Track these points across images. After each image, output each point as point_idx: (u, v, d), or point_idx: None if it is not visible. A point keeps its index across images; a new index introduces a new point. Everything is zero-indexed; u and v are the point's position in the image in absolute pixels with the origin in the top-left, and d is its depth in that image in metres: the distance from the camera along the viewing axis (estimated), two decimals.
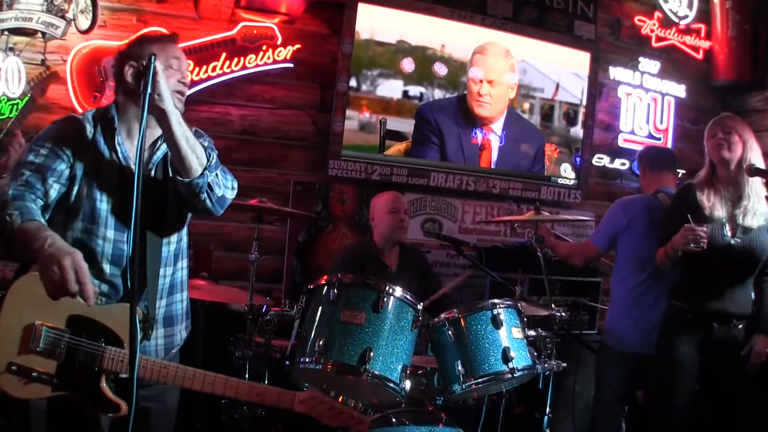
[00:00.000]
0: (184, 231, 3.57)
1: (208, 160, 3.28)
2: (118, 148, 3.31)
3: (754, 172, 4.71)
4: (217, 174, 3.34)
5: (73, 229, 3.24)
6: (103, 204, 3.26)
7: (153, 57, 2.98)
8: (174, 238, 3.49)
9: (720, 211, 4.68)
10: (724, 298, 4.69)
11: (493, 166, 7.81)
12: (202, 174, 3.24)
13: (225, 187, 3.40)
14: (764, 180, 4.80)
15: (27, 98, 5.93)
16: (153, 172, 3.40)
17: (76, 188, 3.24)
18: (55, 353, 3.10)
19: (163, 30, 6.16)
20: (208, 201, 3.31)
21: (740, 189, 4.76)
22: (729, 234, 4.68)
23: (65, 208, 3.25)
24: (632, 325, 5.27)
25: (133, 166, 3.27)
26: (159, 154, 3.41)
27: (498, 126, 7.78)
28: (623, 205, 5.57)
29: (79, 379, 3.13)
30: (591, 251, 5.69)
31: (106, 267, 3.26)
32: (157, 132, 3.35)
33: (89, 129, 3.32)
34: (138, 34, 6.01)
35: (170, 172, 3.38)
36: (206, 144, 3.43)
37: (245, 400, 3.36)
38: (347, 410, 3.37)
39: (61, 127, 3.33)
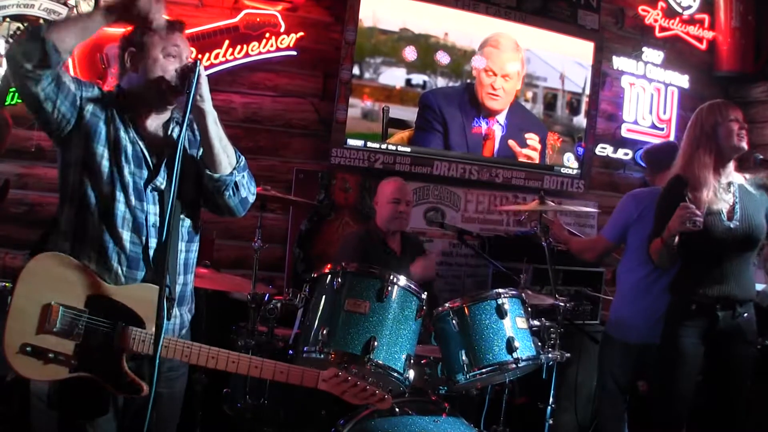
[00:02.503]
0: (199, 212, 3.62)
1: (237, 161, 3.46)
2: (131, 124, 3.36)
3: (760, 163, 4.70)
4: (243, 175, 3.51)
5: (96, 189, 3.26)
6: (125, 173, 3.28)
7: (198, 62, 3.20)
8: (189, 215, 3.53)
9: (718, 204, 4.65)
10: (729, 283, 4.66)
11: (495, 156, 7.79)
12: (231, 173, 3.41)
13: (249, 191, 3.58)
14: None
15: None
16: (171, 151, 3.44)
17: (102, 153, 3.27)
18: (73, 333, 3.09)
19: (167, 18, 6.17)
20: (231, 200, 3.48)
21: (729, 176, 4.75)
22: (726, 218, 4.65)
23: (88, 168, 3.27)
24: (638, 317, 5.25)
25: (141, 143, 3.36)
26: (176, 135, 3.47)
27: (502, 116, 7.77)
28: (634, 197, 5.55)
29: (100, 360, 3.13)
30: (602, 245, 5.68)
31: (127, 235, 3.28)
32: (165, 116, 3.49)
33: (107, 99, 3.38)
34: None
35: (188, 152, 3.48)
36: None
37: (269, 379, 3.40)
38: (369, 388, 3.40)
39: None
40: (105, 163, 3.26)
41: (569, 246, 6.00)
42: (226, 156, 3.38)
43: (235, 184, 3.44)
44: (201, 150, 3.45)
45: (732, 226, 4.63)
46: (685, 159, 4.81)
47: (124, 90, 3.43)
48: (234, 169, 3.42)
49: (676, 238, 4.54)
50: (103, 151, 3.26)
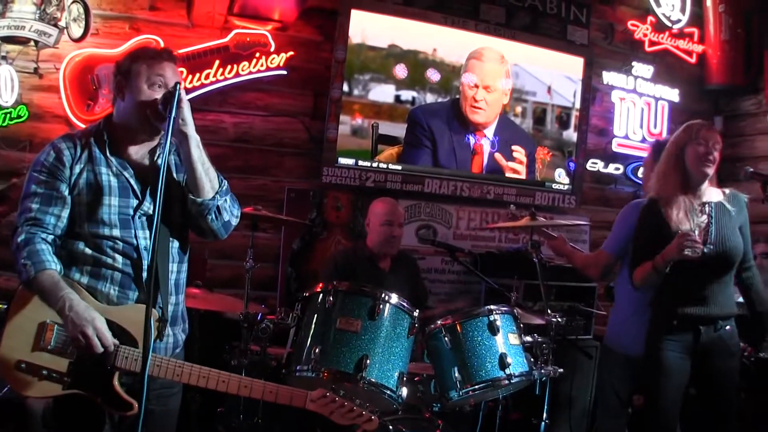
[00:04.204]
0: (187, 234, 3.66)
1: (220, 186, 3.48)
2: (112, 159, 3.42)
3: (751, 176, 4.70)
4: (226, 199, 3.52)
5: (81, 231, 3.35)
6: (104, 208, 3.35)
7: (178, 84, 3.21)
8: (177, 237, 3.57)
9: (686, 224, 4.64)
10: (707, 303, 4.66)
11: (483, 171, 7.81)
12: (213, 197, 3.43)
13: (232, 214, 3.58)
14: (761, 184, 4.77)
15: None
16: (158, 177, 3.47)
17: (78, 197, 3.35)
18: (67, 351, 3.17)
19: (156, 38, 6.21)
20: (214, 223, 3.49)
21: (703, 196, 4.74)
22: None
23: (71, 214, 3.36)
24: (638, 329, 5.19)
25: (126, 173, 3.43)
26: (160, 161, 3.45)
27: (490, 131, 7.78)
28: (634, 209, 5.50)
29: (92, 378, 3.18)
30: (604, 259, 5.57)
31: (119, 258, 3.36)
32: (153, 143, 3.53)
33: (80, 144, 3.44)
34: (132, 43, 6.10)
35: (174, 176, 3.53)
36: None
37: (258, 398, 3.40)
38: (357, 409, 3.42)
39: (54, 148, 3.42)
40: (83, 206, 3.36)
41: (573, 261, 5.93)
42: (209, 180, 3.40)
43: (218, 208, 3.46)
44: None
45: (706, 250, 4.62)
46: (657, 175, 4.83)
47: (111, 121, 3.51)
48: (216, 193, 3.44)
49: (669, 265, 4.56)
50: (79, 193, 3.36)
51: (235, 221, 3.63)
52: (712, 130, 4.78)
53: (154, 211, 3.31)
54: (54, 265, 3.26)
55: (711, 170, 4.66)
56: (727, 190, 4.82)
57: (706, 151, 4.65)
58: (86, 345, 3.07)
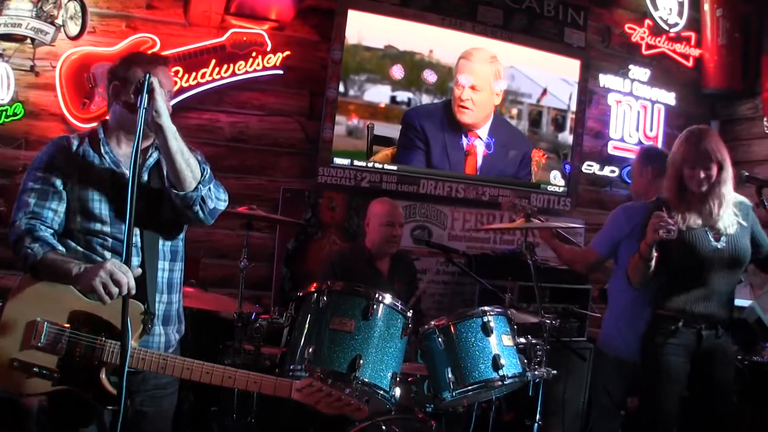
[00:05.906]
0: (182, 232, 3.70)
1: (202, 174, 3.44)
2: (105, 156, 3.47)
3: (747, 180, 4.70)
4: (210, 188, 3.49)
5: (73, 228, 3.40)
6: (95, 203, 3.40)
7: (148, 75, 3.18)
8: (168, 235, 3.60)
9: (698, 220, 4.66)
10: (713, 302, 4.66)
11: (477, 173, 7.82)
12: (196, 188, 3.40)
13: (217, 199, 3.56)
14: (756, 188, 4.77)
15: None
16: (147, 176, 3.54)
17: (72, 191, 3.40)
18: (56, 348, 3.19)
19: (153, 37, 6.21)
20: (200, 213, 3.47)
21: (709, 201, 4.71)
22: (713, 239, 4.65)
23: (66, 209, 3.41)
24: (632, 333, 5.16)
25: (123, 171, 3.47)
26: (151, 161, 3.57)
27: (483, 132, 7.78)
28: (625, 211, 5.45)
29: (80, 373, 3.20)
30: (592, 257, 5.56)
31: (108, 255, 3.37)
32: (147, 143, 3.55)
33: (76, 143, 3.51)
34: (129, 41, 6.09)
35: (165, 180, 3.49)
36: (199, 158, 3.52)
37: (242, 388, 3.39)
38: (345, 397, 3.37)
39: (51, 147, 3.51)
40: (76, 200, 3.40)
41: (560, 255, 5.90)
42: (190, 171, 3.37)
43: (202, 198, 3.44)
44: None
45: (719, 246, 4.64)
46: (667, 180, 4.84)
47: (107, 125, 3.56)
48: (199, 183, 3.41)
49: (654, 252, 4.55)
50: (72, 188, 3.41)
51: (222, 205, 3.61)
52: (706, 143, 4.72)
53: (145, 210, 3.40)
54: (61, 248, 3.32)
55: (702, 188, 4.67)
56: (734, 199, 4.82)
57: (692, 174, 4.66)
58: (107, 279, 3.04)
